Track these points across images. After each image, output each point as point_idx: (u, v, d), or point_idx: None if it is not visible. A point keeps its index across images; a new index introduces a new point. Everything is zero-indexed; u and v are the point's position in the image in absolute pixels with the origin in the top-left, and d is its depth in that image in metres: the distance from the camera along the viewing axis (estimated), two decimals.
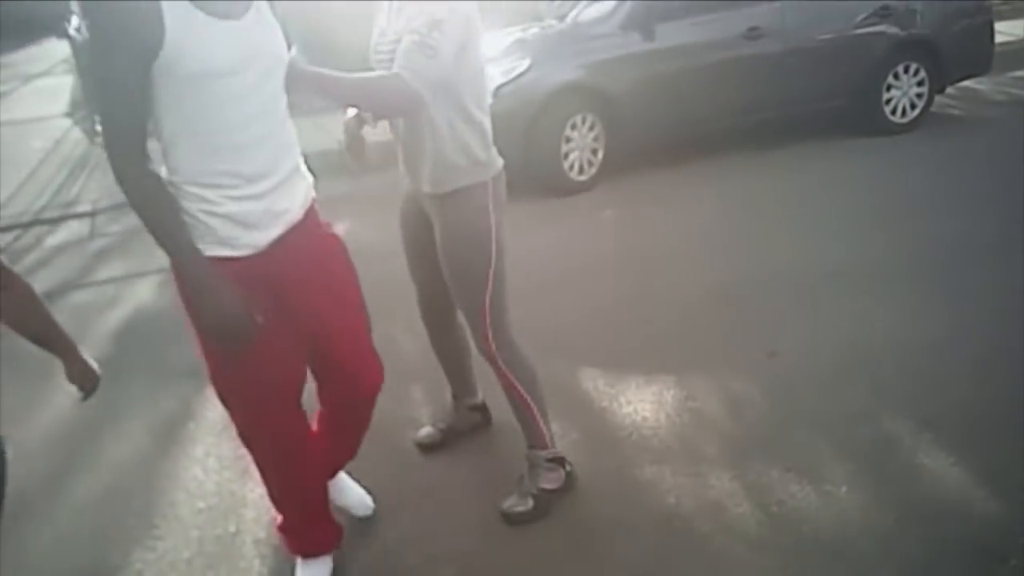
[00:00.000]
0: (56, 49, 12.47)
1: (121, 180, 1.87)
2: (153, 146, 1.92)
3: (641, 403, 3.28)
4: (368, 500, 2.77)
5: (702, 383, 3.41)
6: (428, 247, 2.64)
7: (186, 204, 1.96)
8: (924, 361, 3.43)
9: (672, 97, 6.08)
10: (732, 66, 6.29)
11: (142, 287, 4.95)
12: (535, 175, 5.85)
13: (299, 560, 2.46)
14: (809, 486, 2.74)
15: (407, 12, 2.29)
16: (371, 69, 2.39)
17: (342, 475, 2.75)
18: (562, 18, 6.59)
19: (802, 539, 2.53)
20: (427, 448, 3.10)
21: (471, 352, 2.89)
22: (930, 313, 3.84)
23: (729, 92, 6.30)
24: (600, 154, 6.05)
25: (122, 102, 1.84)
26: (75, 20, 9.12)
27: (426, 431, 3.14)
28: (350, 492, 2.76)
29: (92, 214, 6.36)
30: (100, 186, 6.91)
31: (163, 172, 1.97)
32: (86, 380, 1.99)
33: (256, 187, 1.99)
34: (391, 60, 2.27)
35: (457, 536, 2.65)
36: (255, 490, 2.97)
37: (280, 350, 2.13)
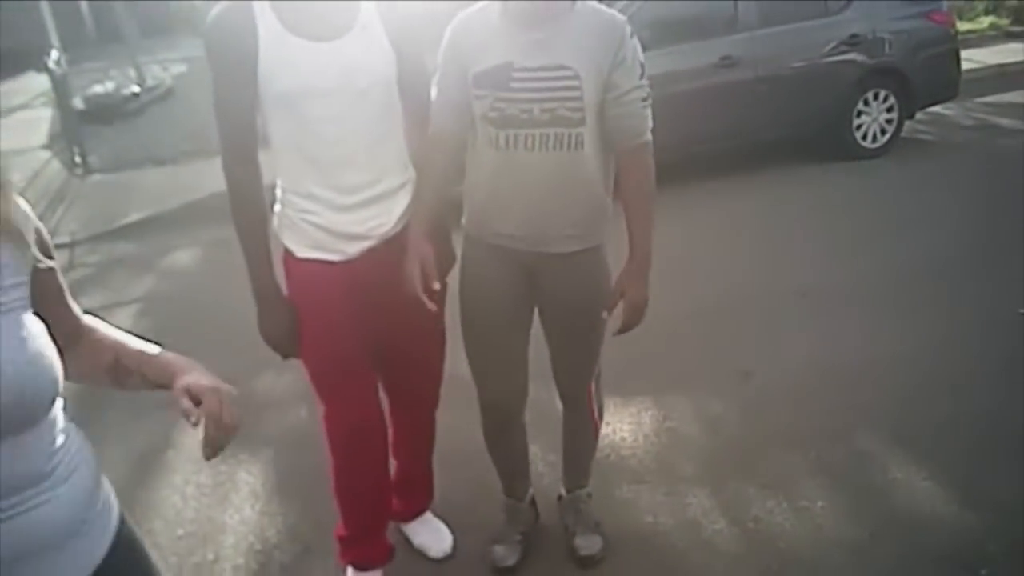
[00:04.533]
0: (35, 82, 12.46)
1: (227, 183, 2.09)
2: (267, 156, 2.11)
3: (619, 423, 3.32)
4: (447, 542, 2.68)
5: (679, 403, 3.45)
6: (523, 324, 2.35)
7: (288, 210, 2.14)
8: (895, 379, 3.49)
9: None
10: (706, 94, 6.39)
11: (120, 317, 4.94)
12: None
13: (350, 569, 2.50)
14: (785, 502, 2.78)
15: (598, 60, 2.01)
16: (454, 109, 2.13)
17: (427, 514, 2.75)
18: None
19: (778, 554, 2.56)
20: (511, 571, 2.57)
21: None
22: (899, 332, 3.91)
23: (703, 120, 6.39)
24: None
25: (225, 113, 2.05)
26: (54, 53, 9.15)
27: (501, 550, 2.58)
28: (427, 529, 2.72)
29: (71, 245, 6.34)
30: (78, 217, 6.91)
31: (278, 180, 2.15)
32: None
33: (348, 200, 2.09)
34: (545, 110, 2.02)
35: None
36: (234, 516, 2.97)
37: (346, 350, 2.20)
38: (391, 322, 2.26)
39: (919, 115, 7.33)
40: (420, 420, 2.57)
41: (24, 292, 1.11)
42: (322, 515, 2.69)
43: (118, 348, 1.31)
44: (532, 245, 2.19)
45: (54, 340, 1.12)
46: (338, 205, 2.09)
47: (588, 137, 2.07)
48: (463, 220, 2.30)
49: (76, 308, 1.31)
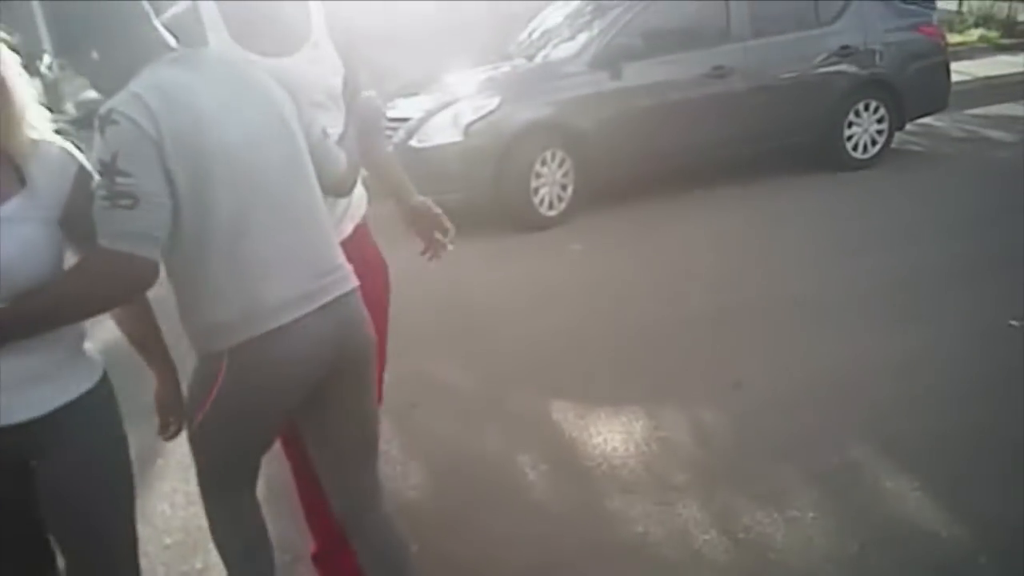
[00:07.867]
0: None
1: None
2: None
3: (610, 433, 3.31)
4: None
5: (670, 413, 3.44)
6: None
7: None
8: (885, 387, 3.49)
9: (639, 134, 6.18)
10: (697, 104, 6.42)
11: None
12: (505, 210, 5.91)
13: None
14: (775, 512, 2.77)
15: None
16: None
17: None
18: (531, 57, 6.69)
19: (769, 564, 2.55)
20: None
21: None
22: (890, 341, 3.92)
23: (694, 129, 6.41)
24: (569, 189, 6.13)
25: None
26: (46, 58, 9.12)
27: None
28: None
29: None
30: None
31: None
32: (173, 411, 1.99)
33: None
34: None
35: None
36: None
37: None
38: None
39: (909, 126, 7.38)
40: None
41: (50, 213, 1.53)
42: None
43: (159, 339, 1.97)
44: None
45: None
46: None
47: None
48: None
49: None
